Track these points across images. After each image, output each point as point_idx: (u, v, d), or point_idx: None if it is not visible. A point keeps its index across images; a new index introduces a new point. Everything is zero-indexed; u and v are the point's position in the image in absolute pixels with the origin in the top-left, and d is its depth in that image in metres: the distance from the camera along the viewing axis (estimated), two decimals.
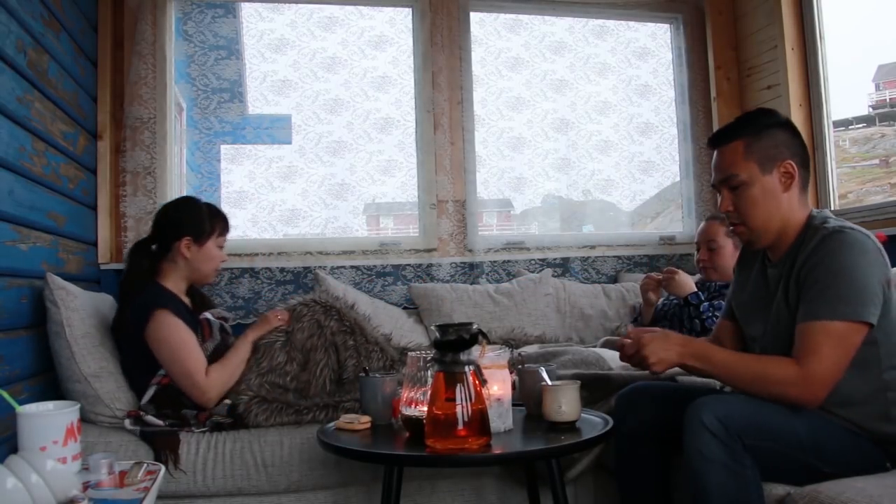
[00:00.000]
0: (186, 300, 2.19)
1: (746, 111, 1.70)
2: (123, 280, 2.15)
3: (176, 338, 2.00)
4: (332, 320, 2.15)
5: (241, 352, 2.09)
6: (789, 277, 1.52)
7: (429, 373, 1.47)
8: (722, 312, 1.83)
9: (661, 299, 2.53)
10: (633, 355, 1.53)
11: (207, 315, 2.20)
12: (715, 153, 1.63)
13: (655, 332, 1.54)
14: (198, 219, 2.13)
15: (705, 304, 2.31)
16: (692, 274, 2.53)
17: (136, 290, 2.08)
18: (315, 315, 2.13)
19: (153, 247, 2.15)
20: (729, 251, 2.43)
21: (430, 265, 3.05)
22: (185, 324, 2.03)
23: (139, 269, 2.13)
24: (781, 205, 1.54)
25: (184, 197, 2.35)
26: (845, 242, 1.43)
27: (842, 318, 1.39)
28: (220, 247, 2.18)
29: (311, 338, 2.11)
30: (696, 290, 2.35)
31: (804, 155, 1.58)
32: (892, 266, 2.13)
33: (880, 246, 1.46)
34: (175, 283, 2.14)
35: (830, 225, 1.48)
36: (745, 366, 1.45)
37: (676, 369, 1.61)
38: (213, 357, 2.07)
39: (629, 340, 1.55)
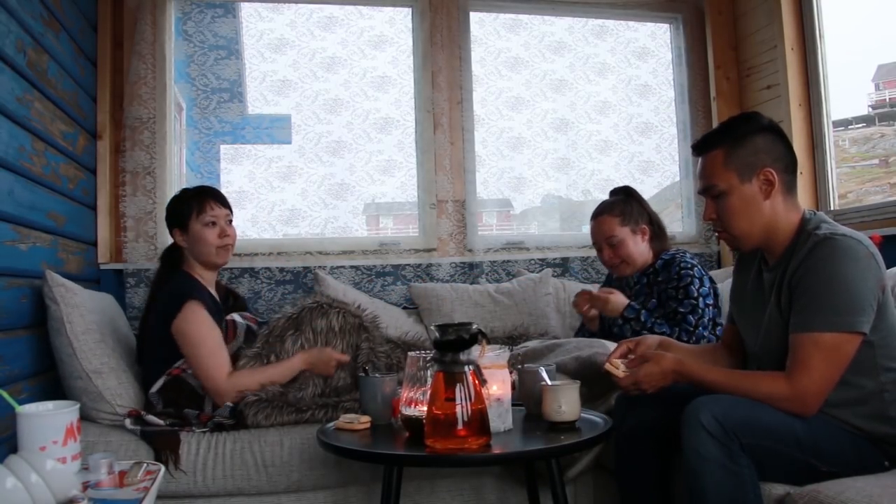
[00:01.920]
0: (215, 294, 2.21)
1: (732, 115, 1.70)
2: (155, 277, 2.25)
3: (202, 334, 2.02)
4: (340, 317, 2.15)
5: (281, 370, 2.04)
6: (782, 283, 1.52)
7: (428, 373, 1.48)
8: (726, 317, 1.82)
9: None
10: (628, 384, 1.60)
11: (235, 316, 2.19)
12: (699, 159, 1.63)
13: (647, 358, 1.57)
14: (177, 207, 2.17)
15: (644, 312, 2.23)
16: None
17: (165, 280, 2.15)
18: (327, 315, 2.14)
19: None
20: (630, 239, 2.34)
21: (429, 265, 3.05)
22: (212, 320, 2.05)
23: (165, 263, 2.21)
24: (763, 212, 1.54)
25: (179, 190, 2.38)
26: (836, 250, 1.42)
27: (833, 330, 1.39)
28: (209, 223, 2.13)
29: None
30: (628, 302, 2.25)
31: (788, 159, 1.57)
32: (891, 266, 2.15)
33: (874, 250, 1.45)
34: (199, 273, 2.17)
35: (822, 231, 1.47)
36: (734, 387, 1.45)
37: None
38: (234, 356, 2.08)
39: (622, 373, 1.62)
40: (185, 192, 2.23)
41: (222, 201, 2.20)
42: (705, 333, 2.22)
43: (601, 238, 2.38)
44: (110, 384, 1.98)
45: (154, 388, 2.01)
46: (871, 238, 1.49)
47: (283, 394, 2.03)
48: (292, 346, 2.09)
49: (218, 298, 2.22)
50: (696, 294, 2.21)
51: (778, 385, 1.42)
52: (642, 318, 2.21)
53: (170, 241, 2.24)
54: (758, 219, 1.55)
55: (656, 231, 2.40)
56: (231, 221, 2.21)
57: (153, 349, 2.09)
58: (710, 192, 1.59)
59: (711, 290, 2.27)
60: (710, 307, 2.24)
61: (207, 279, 2.20)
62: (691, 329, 2.19)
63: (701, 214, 3.20)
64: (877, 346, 1.45)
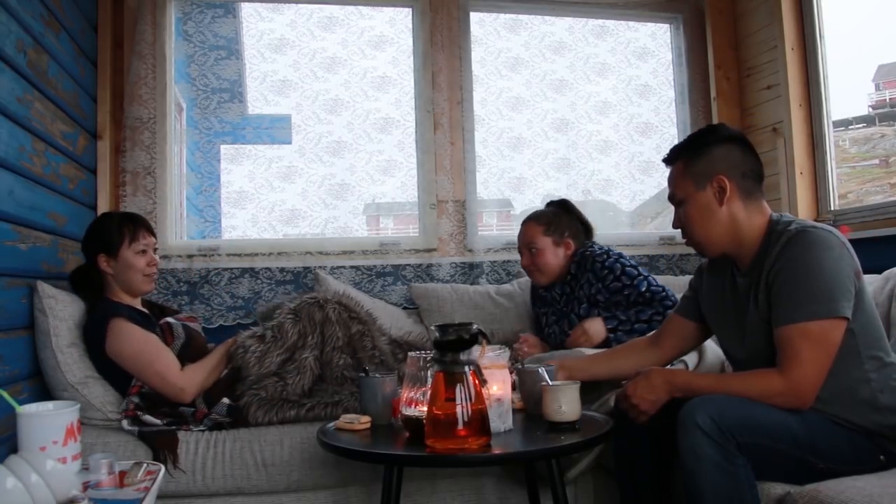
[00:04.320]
0: (143, 310, 2.20)
1: (698, 128, 1.83)
2: (85, 308, 2.16)
3: (137, 343, 2.00)
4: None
5: (216, 356, 2.11)
6: (759, 285, 1.54)
7: (429, 373, 1.48)
8: (676, 308, 1.86)
9: None
10: (620, 404, 1.61)
11: (168, 319, 2.20)
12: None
13: (637, 377, 1.59)
14: (104, 233, 2.13)
15: (619, 312, 2.29)
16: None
17: (88, 311, 2.11)
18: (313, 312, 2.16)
19: (92, 271, 2.15)
20: (550, 250, 2.45)
21: (429, 265, 3.05)
22: (143, 329, 2.03)
23: (80, 289, 2.15)
24: (721, 218, 1.59)
25: (99, 215, 2.37)
26: (808, 241, 1.46)
27: (817, 318, 1.42)
28: (140, 251, 2.13)
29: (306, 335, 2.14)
30: (601, 319, 2.28)
31: (747, 166, 1.61)
32: (891, 266, 2.15)
33: (845, 240, 1.49)
34: (122, 298, 2.14)
35: (792, 227, 1.51)
36: (725, 390, 1.46)
37: None
38: (182, 354, 2.08)
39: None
40: (110, 217, 2.20)
41: (151, 230, 2.21)
42: (668, 292, 2.32)
43: (524, 243, 2.51)
44: (97, 392, 1.99)
45: (122, 408, 1.98)
46: (839, 230, 1.54)
47: (283, 388, 2.03)
48: (291, 329, 2.11)
49: (146, 311, 2.21)
50: (635, 273, 2.33)
51: (771, 381, 1.43)
52: (622, 317, 2.27)
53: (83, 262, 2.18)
54: (715, 225, 1.60)
55: (581, 244, 2.48)
56: (156, 250, 2.22)
57: (108, 375, 2.04)
58: (673, 201, 1.67)
59: (629, 259, 2.39)
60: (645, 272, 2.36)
61: (131, 301, 2.17)
62: (663, 293, 2.30)
63: None
64: (858, 334, 1.47)
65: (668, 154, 1.71)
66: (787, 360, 1.42)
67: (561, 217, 2.50)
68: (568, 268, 2.45)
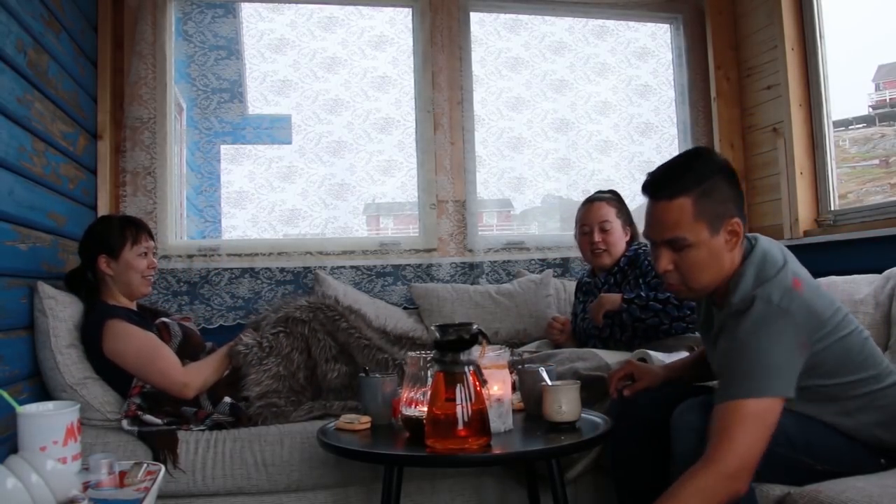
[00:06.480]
0: (138, 312, 2.20)
1: (684, 152, 1.60)
2: (84, 309, 2.15)
3: (137, 341, 2.01)
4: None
5: (217, 356, 2.12)
6: (724, 326, 1.45)
7: (429, 373, 1.48)
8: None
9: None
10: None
11: (164, 319, 2.21)
12: (655, 203, 1.47)
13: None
14: (106, 234, 2.13)
15: (642, 288, 2.24)
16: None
17: (85, 313, 2.11)
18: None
19: (88, 273, 2.15)
20: (620, 232, 2.40)
21: (430, 265, 3.05)
22: (140, 329, 2.04)
23: (76, 291, 2.15)
24: (724, 264, 1.44)
25: (98, 217, 2.39)
26: (750, 318, 1.35)
27: (749, 396, 1.30)
28: (142, 254, 2.14)
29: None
30: (619, 295, 2.24)
31: (742, 202, 1.48)
32: (891, 266, 2.14)
33: (792, 305, 1.35)
34: (119, 300, 2.14)
35: (747, 291, 1.40)
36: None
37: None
38: (180, 352, 2.09)
39: None
40: (111, 220, 2.20)
41: (152, 235, 2.23)
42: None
43: (595, 221, 2.40)
44: (95, 393, 1.98)
45: (123, 409, 1.97)
46: (793, 284, 1.38)
47: (294, 407, 2.07)
48: (286, 340, 2.15)
49: (140, 313, 2.22)
50: None
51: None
52: (641, 293, 2.22)
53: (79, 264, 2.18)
54: (718, 272, 1.44)
55: (633, 236, 2.48)
56: (155, 255, 2.24)
57: (107, 377, 2.03)
58: (674, 245, 1.44)
59: None
60: None
61: (126, 304, 2.17)
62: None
63: None
64: (846, 383, 1.42)
65: (658, 184, 1.47)
66: (715, 439, 1.29)
67: (623, 205, 2.48)
68: (618, 260, 2.39)
